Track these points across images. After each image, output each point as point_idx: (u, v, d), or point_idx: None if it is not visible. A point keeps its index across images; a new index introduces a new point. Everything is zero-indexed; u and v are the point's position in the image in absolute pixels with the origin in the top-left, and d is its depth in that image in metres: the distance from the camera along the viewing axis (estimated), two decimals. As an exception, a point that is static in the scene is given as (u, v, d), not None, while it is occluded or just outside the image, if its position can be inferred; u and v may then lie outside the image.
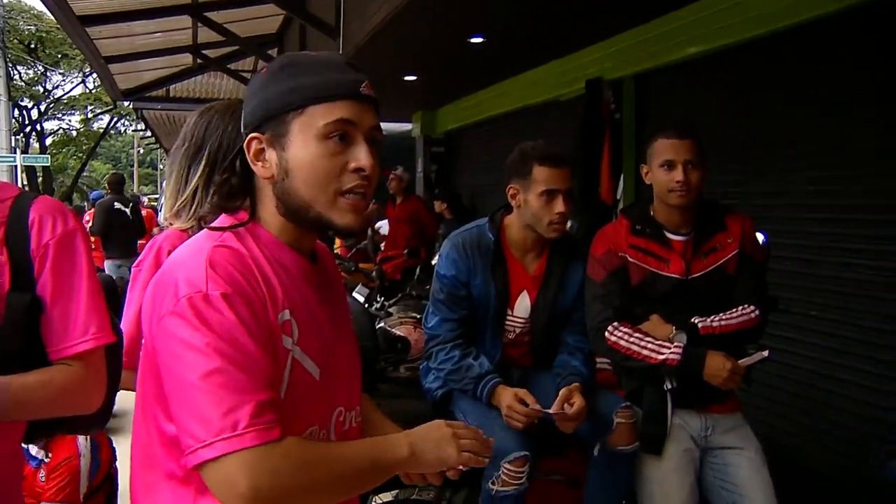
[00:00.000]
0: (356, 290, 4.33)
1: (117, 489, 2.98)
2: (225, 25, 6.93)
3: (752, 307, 2.14)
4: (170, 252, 1.64)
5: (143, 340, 1.07)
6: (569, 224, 2.46)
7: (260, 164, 1.05)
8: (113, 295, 6.60)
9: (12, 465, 1.36)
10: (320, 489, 0.98)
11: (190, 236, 1.65)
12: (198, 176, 1.66)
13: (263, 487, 0.91)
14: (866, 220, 3.03)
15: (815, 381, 3.22)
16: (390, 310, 4.03)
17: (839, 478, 3.07)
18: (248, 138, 1.05)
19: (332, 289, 1.18)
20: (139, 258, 1.73)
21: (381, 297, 4.35)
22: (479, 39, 4.87)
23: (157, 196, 16.74)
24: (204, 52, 8.27)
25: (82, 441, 2.69)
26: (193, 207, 1.63)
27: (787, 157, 3.47)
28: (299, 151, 1.02)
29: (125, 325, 1.63)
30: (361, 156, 1.03)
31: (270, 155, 1.04)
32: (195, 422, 0.92)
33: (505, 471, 2.00)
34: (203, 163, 1.66)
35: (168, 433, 1.00)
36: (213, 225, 1.07)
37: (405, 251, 6.67)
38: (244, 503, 0.91)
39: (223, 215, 1.09)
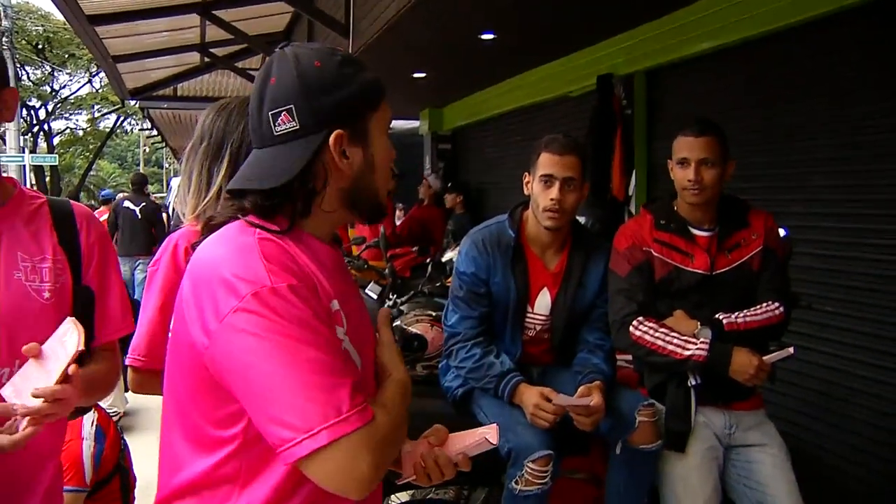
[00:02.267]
0: (368, 287, 4.31)
1: (134, 483, 2.96)
2: (233, 24, 6.91)
3: (776, 304, 2.12)
4: (187, 250, 1.63)
5: (169, 345, 1.05)
6: (582, 220, 2.45)
7: (346, 161, 1.05)
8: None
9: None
10: (398, 446, 1.03)
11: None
12: (221, 176, 1.65)
13: (373, 467, 0.92)
14: (884, 214, 3.01)
15: (834, 378, 3.19)
16: (402, 307, 4.01)
17: (860, 475, 3.05)
18: (334, 135, 1.02)
19: (348, 273, 1.18)
20: (155, 257, 1.70)
21: (393, 295, 4.33)
22: (490, 36, 4.85)
23: (163, 195, 16.75)
24: (212, 50, 8.25)
25: (87, 425, 2.68)
26: (218, 208, 1.62)
27: (802, 152, 3.45)
28: (378, 146, 1.08)
29: (144, 325, 1.61)
30: (392, 148, 1.12)
31: (352, 151, 1.05)
32: (292, 413, 0.89)
33: (528, 470, 1.99)
34: (225, 162, 1.65)
35: (210, 437, 0.98)
36: (249, 221, 1.03)
37: (414, 248, 6.66)
38: (359, 486, 0.91)
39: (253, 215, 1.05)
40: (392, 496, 2.78)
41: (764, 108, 3.70)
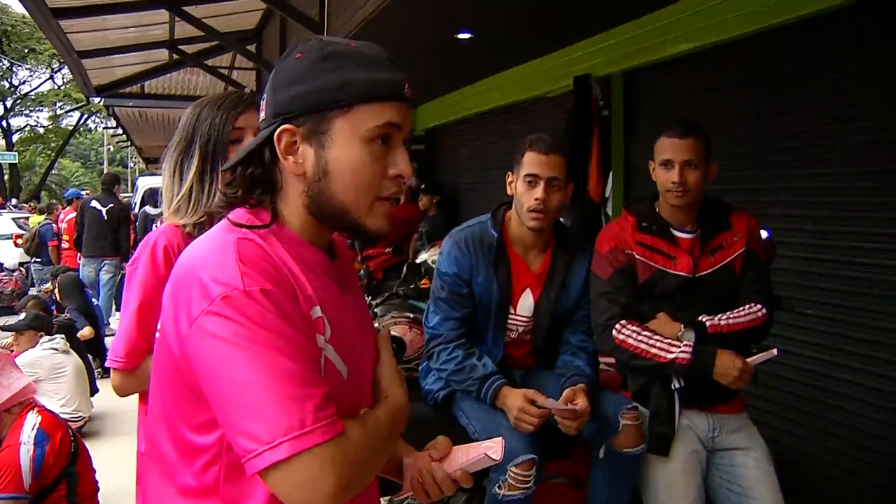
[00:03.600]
0: (343, 289, 4.24)
1: (96, 489, 2.88)
2: (203, 20, 6.77)
3: (759, 306, 2.11)
4: (166, 248, 1.59)
5: (155, 346, 0.99)
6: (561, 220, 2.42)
7: (291, 158, 0.98)
8: (80, 291, 6.40)
9: None
10: (375, 466, 0.96)
11: (187, 233, 1.59)
12: (192, 172, 1.63)
13: (338, 485, 0.86)
14: (865, 217, 3.02)
15: (817, 381, 3.19)
16: (376, 310, 3.96)
17: (844, 479, 3.05)
18: (279, 129, 0.97)
19: (350, 281, 1.11)
20: (133, 256, 1.67)
21: (367, 297, 4.28)
22: (467, 35, 4.81)
23: (129, 195, 16.39)
24: (181, 47, 8.09)
25: (27, 429, 2.64)
26: (191, 204, 1.59)
27: (782, 153, 3.46)
28: (341, 152, 0.97)
29: (124, 325, 1.59)
30: (402, 163, 1.00)
31: (305, 151, 0.98)
32: (256, 423, 0.84)
33: (512, 474, 1.95)
34: (196, 157, 1.63)
35: (191, 443, 0.93)
36: (234, 220, 0.98)
37: (388, 249, 6.60)
38: (323, 500, 0.85)
39: (240, 210, 1.01)
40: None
41: (743, 109, 3.70)
